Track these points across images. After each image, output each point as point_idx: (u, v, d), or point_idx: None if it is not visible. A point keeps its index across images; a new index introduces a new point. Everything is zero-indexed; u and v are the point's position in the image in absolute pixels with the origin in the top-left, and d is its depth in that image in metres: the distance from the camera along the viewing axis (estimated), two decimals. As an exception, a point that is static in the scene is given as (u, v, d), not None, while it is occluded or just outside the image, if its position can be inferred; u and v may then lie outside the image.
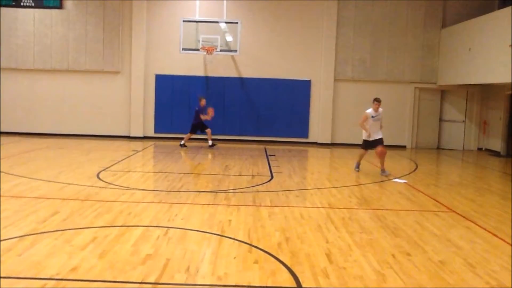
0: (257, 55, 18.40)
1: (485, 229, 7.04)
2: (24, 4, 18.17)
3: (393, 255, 5.71)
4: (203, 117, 15.87)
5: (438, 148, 18.94)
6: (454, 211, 8.15)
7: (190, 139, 16.60)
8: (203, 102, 15.98)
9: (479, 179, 12.39)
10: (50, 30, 18.31)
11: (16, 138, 17.41)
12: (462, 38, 16.72)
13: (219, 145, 17.33)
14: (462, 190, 10.43)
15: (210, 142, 16.34)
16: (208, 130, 16.28)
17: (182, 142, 16.35)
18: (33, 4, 18.17)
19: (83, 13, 18.29)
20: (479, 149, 18.70)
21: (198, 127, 16.10)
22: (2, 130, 18.22)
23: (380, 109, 11.34)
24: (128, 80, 18.49)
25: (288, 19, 18.39)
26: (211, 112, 15.91)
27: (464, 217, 7.78)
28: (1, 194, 8.21)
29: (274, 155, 14.95)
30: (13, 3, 18.16)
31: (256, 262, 5.32)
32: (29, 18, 18.28)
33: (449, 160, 16.08)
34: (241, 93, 18.42)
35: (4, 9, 18.21)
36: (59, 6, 18.19)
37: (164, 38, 18.31)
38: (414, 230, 6.86)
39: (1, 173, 10.19)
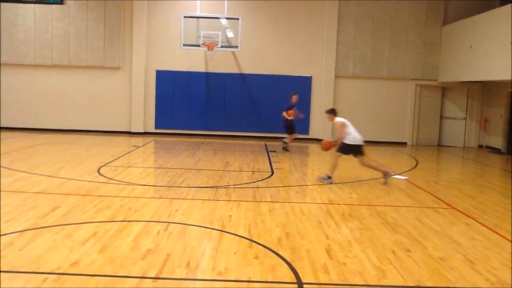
0: (258, 51, 18.38)
1: (485, 226, 7.04)
2: (25, 0, 18.14)
3: (393, 251, 5.72)
4: (286, 115, 14.26)
5: (439, 145, 18.95)
6: (454, 208, 8.16)
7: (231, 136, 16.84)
8: (294, 98, 14.41)
9: (479, 176, 12.39)
10: (50, 26, 18.30)
11: (17, 133, 17.41)
12: (463, 36, 16.69)
13: (220, 141, 17.35)
14: (463, 187, 10.44)
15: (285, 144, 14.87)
16: (294, 135, 14.90)
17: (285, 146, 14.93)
18: (34, 0, 18.15)
19: (84, 9, 18.27)
20: (480, 146, 18.69)
21: (292, 125, 14.58)
22: (3, 126, 18.23)
23: (335, 120, 10.19)
24: (128, 76, 18.48)
25: (289, 15, 18.36)
26: (294, 113, 14.28)
27: (464, 214, 7.78)
28: (2, 189, 8.22)
29: (274, 151, 14.95)
30: (14, -2, 18.16)
31: (256, 257, 5.33)
32: (30, 13, 18.26)
33: (449, 157, 16.07)
34: (242, 89, 18.41)
35: (5, 5, 18.19)
36: (60, 1, 18.16)
37: (164, 34, 18.29)
38: (414, 227, 6.87)
39: (2, 168, 10.20)
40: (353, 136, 9.88)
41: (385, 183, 9.94)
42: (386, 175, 10.03)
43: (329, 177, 9.99)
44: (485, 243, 6.24)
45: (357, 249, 5.74)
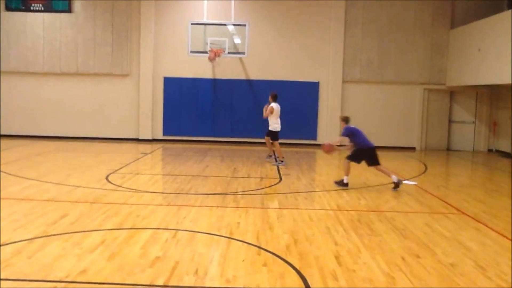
0: (265, 57, 18.40)
1: (495, 231, 6.98)
2: (34, 8, 18.29)
3: (402, 258, 5.68)
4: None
5: (448, 149, 18.83)
6: (464, 213, 8.10)
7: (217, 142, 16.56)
8: None
9: (489, 181, 12.30)
10: (59, 34, 18.42)
11: (25, 141, 17.50)
12: (471, 39, 16.61)
13: (227, 147, 17.35)
14: (472, 192, 10.36)
15: (400, 179, 10.11)
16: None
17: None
18: (42, 8, 18.30)
19: (92, 17, 18.39)
20: (489, 150, 18.55)
21: None
22: (11, 134, 18.35)
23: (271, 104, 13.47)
24: (136, 83, 18.55)
25: (296, 21, 18.37)
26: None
27: (474, 218, 7.72)
28: (11, 197, 8.27)
29: (282, 157, 14.89)
30: (23, 7, 18.29)
31: (264, 264, 5.30)
32: (39, 21, 18.40)
33: (458, 162, 15.97)
34: (249, 96, 18.41)
35: (13, 13, 18.34)
36: (68, 9, 18.30)
37: (172, 41, 18.36)
38: (423, 232, 6.82)
39: (11, 176, 10.25)
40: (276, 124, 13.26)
41: None
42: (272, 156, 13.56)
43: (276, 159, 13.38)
44: (495, 248, 6.18)
45: (366, 256, 5.71)
